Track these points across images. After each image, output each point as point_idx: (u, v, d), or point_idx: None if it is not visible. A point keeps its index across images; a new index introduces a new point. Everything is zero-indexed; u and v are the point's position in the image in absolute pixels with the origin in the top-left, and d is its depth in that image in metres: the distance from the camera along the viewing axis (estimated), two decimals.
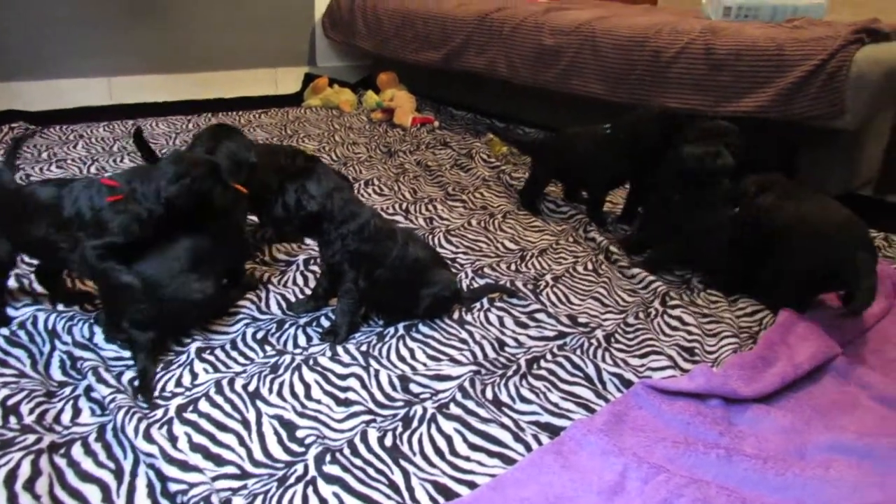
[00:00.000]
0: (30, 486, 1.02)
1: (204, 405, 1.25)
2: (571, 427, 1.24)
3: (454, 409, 1.28)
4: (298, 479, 1.09)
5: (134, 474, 1.09)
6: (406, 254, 1.54)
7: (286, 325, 1.55)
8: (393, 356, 1.46)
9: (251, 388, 1.31)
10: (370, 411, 1.28)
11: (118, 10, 3.42)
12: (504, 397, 1.34)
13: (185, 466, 1.07)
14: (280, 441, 1.19)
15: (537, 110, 3.42)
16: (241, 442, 1.18)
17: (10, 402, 1.21)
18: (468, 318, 1.63)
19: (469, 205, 2.42)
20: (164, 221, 1.41)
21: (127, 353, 1.41)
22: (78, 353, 1.36)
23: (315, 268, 1.82)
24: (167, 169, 1.41)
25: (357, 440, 1.18)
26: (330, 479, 1.09)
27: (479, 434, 1.23)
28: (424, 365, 1.43)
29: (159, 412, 1.22)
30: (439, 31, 3.39)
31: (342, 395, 1.32)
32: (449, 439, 1.21)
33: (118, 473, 1.09)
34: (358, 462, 1.14)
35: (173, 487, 1.04)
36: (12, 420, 1.17)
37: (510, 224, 2.26)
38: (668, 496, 1.08)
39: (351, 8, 3.95)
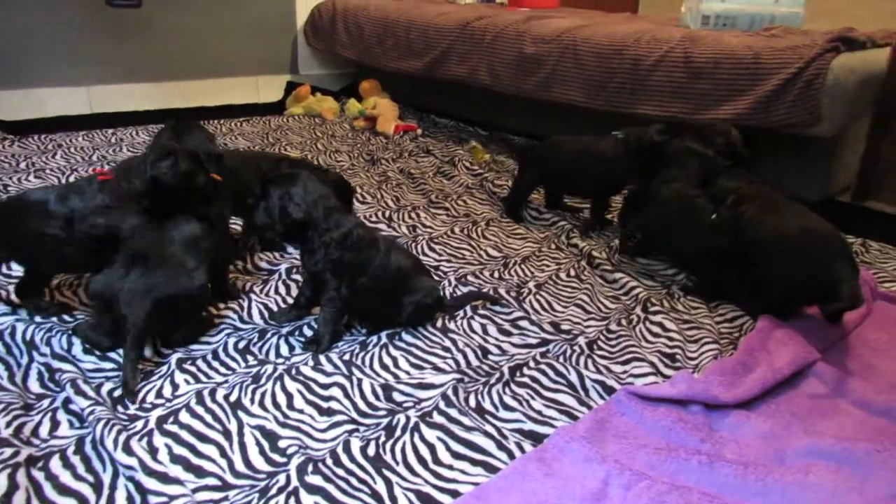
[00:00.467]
0: (7, 500, 1.01)
1: (185, 416, 1.24)
2: (554, 434, 1.24)
3: (437, 418, 1.28)
4: (280, 490, 1.09)
5: (113, 487, 1.07)
6: (388, 262, 1.54)
7: (268, 335, 1.55)
8: (376, 365, 1.45)
9: (233, 398, 1.30)
10: (353, 420, 1.28)
11: (98, 19, 3.39)
12: (487, 405, 1.34)
13: (165, 479, 1.06)
14: (262, 452, 1.18)
15: (520, 118, 3.44)
16: (223, 453, 1.17)
17: None
18: (451, 326, 1.63)
19: (452, 212, 2.42)
20: (155, 203, 1.48)
21: (107, 365, 1.40)
22: (56, 364, 1.34)
23: (297, 277, 1.81)
24: (152, 153, 1.50)
25: (340, 450, 1.18)
26: (312, 490, 1.09)
27: (463, 442, 1.23)
28: (407, 373, 1.43)
29: (139, 424, 1.21)
30: (421, 39, 3.40)
31: (325, 405, 1.31)
32: (432, 448, 1.21)
33: (97, 486, 1.07)
34: (340, 472, 1.13)
35: (153, 500, 1.02)
36: None
37: (493, 231, 2.27)
38: (650, 503, 1.09)
39: (332, 16, 3.95)
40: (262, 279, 1.81)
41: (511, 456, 1.20)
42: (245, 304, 1.67)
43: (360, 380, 1.39)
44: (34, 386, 1.32)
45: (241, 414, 1.26)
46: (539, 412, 1.33)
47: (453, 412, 1.30)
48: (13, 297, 1.57)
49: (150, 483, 1.05)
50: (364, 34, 3.76)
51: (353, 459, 1.16)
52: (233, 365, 1.43)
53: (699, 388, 1.35)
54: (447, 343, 1.55)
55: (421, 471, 1.16)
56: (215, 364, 1.43)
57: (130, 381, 1.31)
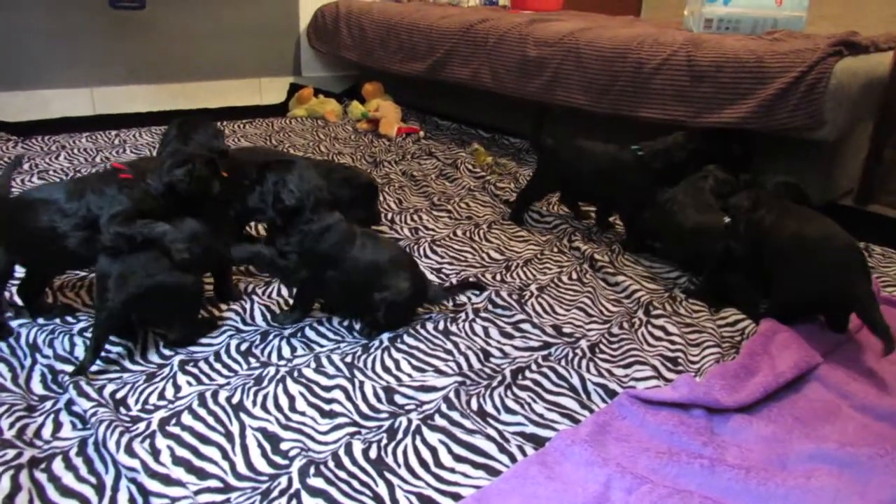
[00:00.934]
0: (10, 501, 1.01)
1: (187, 418, 1.25)
2: (556, 438, 1.24)
3: (439, 421, 1.28)
4: (282, 493, 1.09)
5: (115, 489, 1.07)
6: (360, 257, 1.55)
7: (270, 337, 1.55)
8: (378, 367, 1.46)
9: (235, 400, 1.31)
10: (355, 423, 1.28)
11: (101, 21, 3.40)
12: (489, 408, 1.34)
13: (167, 480, 1.06)
14: (264, 454, 1.18)
15: (522, 121, 3.44)
16: (225, 455, 1.17)
17: None
18: (453, 328, 1.63)
19: (454, 215, 2.43)
20: (167, 206, 1.49)
21: (110, 367, 1.40)
22: (59, 366, 1.35)
23: None
24: (170, 159, 1.51)
25: (342, 452, 1.18)
26: (314, 492, 1.09)
27: (464, 445, 1.23)
28: (409, 376, 1.43)
29: (141, 426, 1.21)
30: (424, 42, 3.40)
31: (327, 407, 1.31)
32: (434, 451, 1.21)
33: (99, 488, 1.07)
34: (342, 475, 1.13)
35: (155, 502, 1.03)
36: None
37: (495, 234, 2.27)
38: None
39: (335, 19, 3.96)
40: (265, 281, 1.81)
41: (513, 459, 1.20)
42: (247, 307, 1.68)
43: (361, 382, 1.39)
44: (37, 387, 1.32)
45: (243, 416, 1.27)
46: (541, 415, 1.33)
47: (455, 415, 1.30)
48: (16, 298, 1.58)
49: (153, 485, 1.05)
50: (367, 36, 3.76)
51: (354, 462, 1.16)
52: (235, 367, 1.43)
53: (701, 391, 1.35)
54: (449, 346, 1.55)
55: (423, 473, 1.16)
56: (217, 366, 1.43)
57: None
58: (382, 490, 1.11)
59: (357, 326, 1.62)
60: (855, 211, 2.56)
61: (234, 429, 1.23)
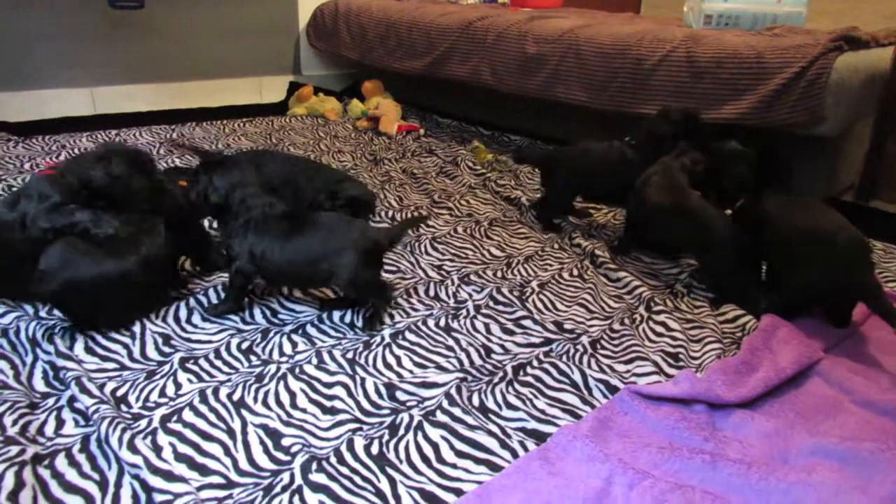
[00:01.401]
0: (13, 497, 1.01)
1: (188, 415, 1.25)
2: (557, 433, 1.24)
3: (441, 417, 1.28)
4: (284, 488, 1.09)
5: (118, 485, 1.08)
6: (288, 247, 1.57)
7: (271, 334, 1.55)
8: (379, 364, 1.46)
9: (236, 397, 1.31)
10: (356, 419, 1.28)
11: (100, 21, 3.40)
12: (491, 404, 1.34)
13: (169, 476, 1.06)
14: (266, 450, 1.18)
15: (522, 118, 3.44)
16: (227, 451, 1.17)
17: None
18: (454, 325, 1.63)
19: (455, 212, 2.43)
20: (89, 203, 1.52)
21: (109, 365, 1.40)
22: (61, 363, 1.35)
23: None
24: (91, 154, 1.57)
25: (343, 448, 1.18)
26: (316, 488, 1.09)
27: (466, 441, 1.23)
28: (411, 372, 1.43)
29: (143, 422, 1.22)
30: (423, 39, 3.40)
31: (328, 404, 1.32)
32: (435, 447, 1.21)
33: (102, 484, 1.08)
34: (344, 470, 1.14)
35: (158, 498, 1.03)
36: None
37: (496, 231, 2.27)
38: (653, 501, 1.09)
39: (335, 17, 3.96)
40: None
41: (514, 455, 1.20)
42: (246, 305, 1.68)
43: (363, 379, 1.39)
44: (39, 384, 1.32)
45: (244, 413, 1.27)
46: (542, 411, 1.33)
47: (457, 411, 1.30)
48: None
49: (156, 481, 1.05)
50: (366, 35, 3.76)
51: (356, 458, 1.16)
52: (235, 364, 1.43)
53: (702, 387, 1.35)
54: (450, 342, 1.55)
55: (425, 469, 1.16)
56: (218, 363, 1.43)
57: None
58: (385, 486, 1.11)
59: (359, 323, 1.62)
60: (856, 206, 2.56)
61: (236, 425, 1.23)
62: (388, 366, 1.45)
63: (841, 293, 1.63)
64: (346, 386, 1.36)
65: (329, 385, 1.37)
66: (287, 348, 1.50)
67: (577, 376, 1.44)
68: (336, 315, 1.64)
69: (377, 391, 1.36)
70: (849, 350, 1.59)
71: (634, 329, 1.65)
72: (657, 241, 2.07)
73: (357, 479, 1.12)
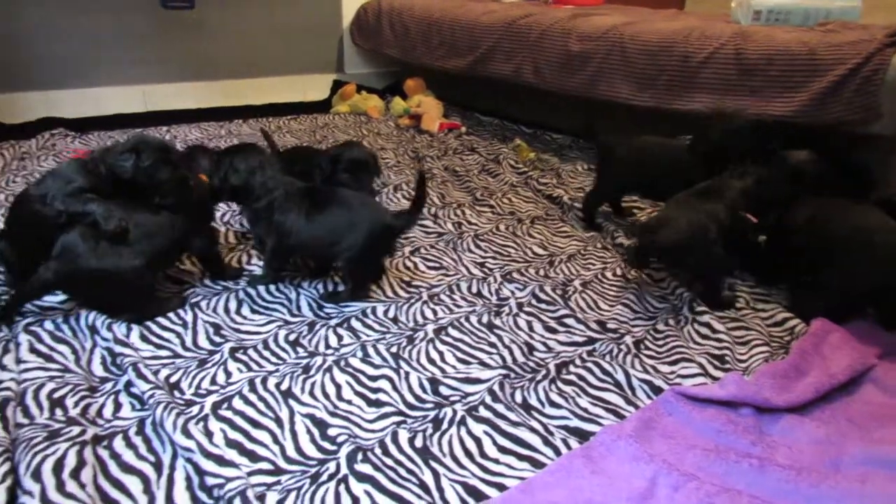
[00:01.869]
0: (76, 475, 1.06)
1: (238, 403, 1.28)
2: (601, 432, 1.24)
3: (483, 412, 1.29)
4: (331, 477, 1.11)
5: (172, 467, 1.11)
6: (307, 223, 1.63)
7: (317, 327, 1.58)
8: (423, 359, 1.47)
9: (284, 387, 1.34)
10: (400, 412, 1.29)
11: (152, 22, 3.50)
12: (533, 401, 1.34)
13: (221, 461, 1.10)
14: (312, 439, 1.21)
15: (564, 116, 3.42)
16: (275, 439, 1.20)
17: (57, 395, 1.25)
18: (497, 322, 1.63)
19: (497, 210, 2.43)
20: (116, 190, 1.56)
21: (163, 353, 1.45)
22: (118, 349, 1.40)
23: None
24: (121, 145, 1.60)
25: (388, 440, 1.20)
26: (361, 478, 1.11)
27: (509, 437, 1.23)
28: (454, 368, 1.45)
29: (195, 409, 1.25)
30: (466, 37, 3.41)
31: (373, 396, 1.34)
32: (478, 441, 1.22)
33: (157, 466, 1.12)
34: (389, 462, 1.15)
35: (210, 481, 1.06)
36: (58, 412, 1.20)
37: (538, 229, 2.26)
38: None
39: (378, 16, 3.99)
40: (311, 273, 1.85)
41: (557, 452, 1.20)
42: (293, 297, 1.71)
43: (407, 373, 1.41)
44: (98, 369, 1.38)
45: (291, 402, 1.30)
46: (585, 410, 1.33)
47: (500, 407, 1.31)
48: None
49: (208, 465, 1.08)
50: (409, 33, 3.78)
51: (401, 450, 1.18)
52: (283, 355, 1.47)
53: (750, 390, 1.33)
54: (493, 339, 1.56)
55: (467, 463, 1.17)
56: (266, 354, 1.47)
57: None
58: (428, 478, 1.13)
59: (402, 317, 1.64)
60: None
61: (284, 414, 1.26)
62: (431, 361, 1.47)
63: (884, 293, 1.58)
64: (390, 379, 1.38)
65: (374, 378, 1.39)
66: (333, 341, 1.53)
67: (620, 376, 1.43)
68: (380, 309, 1.67)
69: (421, 385, 1.37)
70: None
71: (679, 330, 1.63)
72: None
73: (401, 471, 1.14)
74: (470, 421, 1.27)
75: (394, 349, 1.49)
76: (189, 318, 1.57)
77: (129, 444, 1.16)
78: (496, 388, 1.35)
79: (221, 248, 1.90)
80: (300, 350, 1.49)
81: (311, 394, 1.33)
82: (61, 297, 1.59)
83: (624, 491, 1.12)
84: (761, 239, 1.97)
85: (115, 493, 1.06)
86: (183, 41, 3.63)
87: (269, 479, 1.11)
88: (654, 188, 2.24)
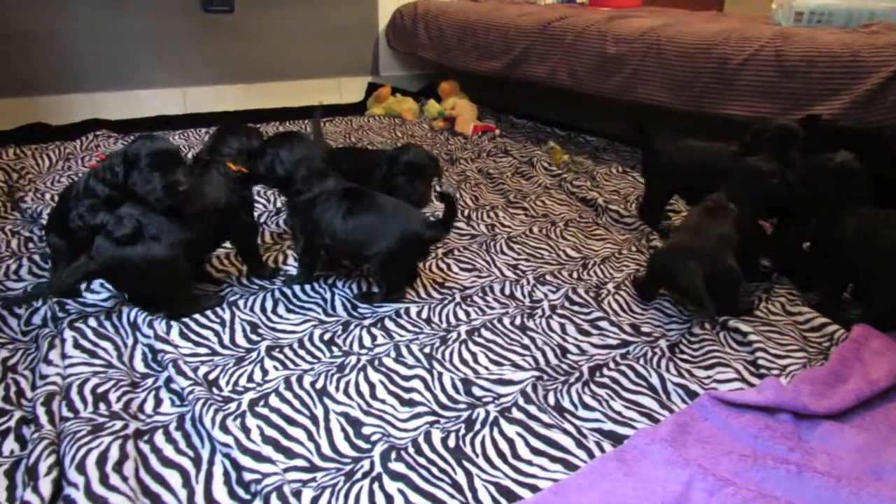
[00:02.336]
0: (118, 468, 1.09)
1: (274, 400, 1.31)
2: (635, 435, 1.23)
3: (516, 414, 1.30)
4: (365, 475, 1.13)
5: (211, 462, 1.14)
6: (345, 223, 1.65)
7: (351, 327, 1.60)
8: (456, 359, 1.48)
9: (319, 385, 1.36)
10: (433, 412, 1.30)
11: (193, 26, 3.58)
12: (566, 404, 1.34)
13: (258, 457, 1.12)
14: (347, 437, 1.22)
15: (598, 118, 3.40)
16: (310, 437, 1.22)
17: (100, 390, 1.28)
18: (530, 324, 1.63)
19: (530, 212, 2.43)
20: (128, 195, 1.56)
21: (201, 350, 1.48)
22: (159, 346, 1.43)
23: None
24: (116, 154, 1.57)
25: (421, 440, 1.21)
26: (395, 476, 1.12)
27: (542, 439, 1.23)
28: (487, 369, 1.45)
29: (233, 405, 1.28)
30: (501, 40, 3.41)
31: (406, 396, 1.35)
32: (511, 443, 1.22)
33: (197, 461, 1.14)
34: (422, 461, 1.16)
35: (248, 476, 1.08)
36: (102, 407, 1.24)
37: (571, 232, 2.25)
38: None
39: (414, 19, 4.02)
40: (346, 273, 1.87)
41: (590, 455, 1.20)
42: (328, 297, 1.74)
43: (440, 373, 1.41)
44: (139, 365, 1.41)
45: (326, 401, 1.32)
46: (619, 413, 1.32)
47: (532, 409, 1.31)
48: None
49: (245, 461, 1.11)
50: (444, 36, 3.80)
51: (434, 450, 1.19)
52: (318, 354, 1.49)
53: (788, 396, 1.31)
54: (526, 341, 1.56)
55: (500, 464, 1.17)
56: (301, 353, 1.49)
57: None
58: (461, 478, 1.13)
59: (435, 318, 1.65)
60: None
61: (319, 412, 1.28)
62: (464, 362, 1.47)
63: None
64: (423, 379, 1.39)
65: (407, 378, 1.40)
66: (367, 341, 1.54)
67: (654, 380, 1.42)
68: (413, 310, 1.68)
69: (454, 386, 1.38)
70: None
71: (715, 334, 1.61)
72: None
73: (434, 470, 1.15)
74: (503, 422, 1.27)
75: (427, 349, 1.50)
76: (227, 316, 1.61)
77: (170, 439, 1.19)
78: (529, 389, 1.36)
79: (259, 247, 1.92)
80: (335, 349, 1.51)
81: (346, 392, 1.35)
82: (104, 295, 1.64)
83: (658, 495, 1.11)
84: (805, 246, 1.93)
85: (155, 487, 1.09)
86: (223, 44, 3.70)
87: (305, 476, 1.13)
88: (690, 190, 2.21)
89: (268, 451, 1.16)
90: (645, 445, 1.20)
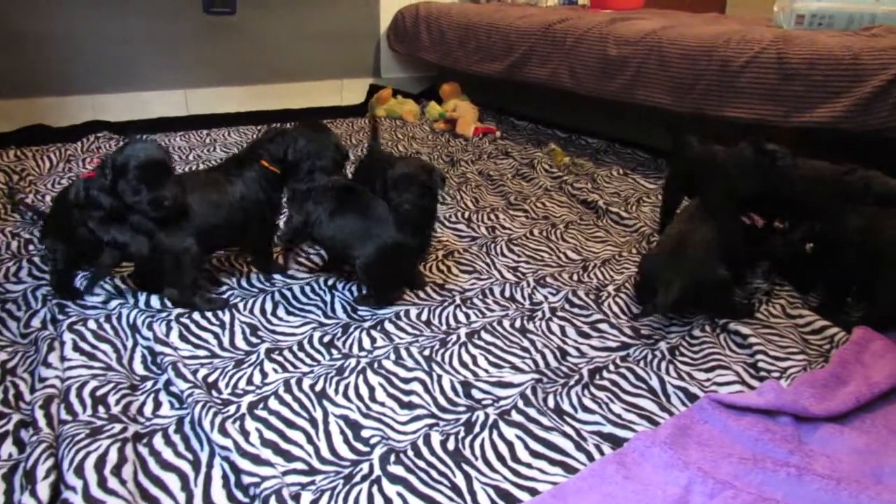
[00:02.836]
0: (117, 471, 1.09)
1: (273, 403, 1.31)
2: (635, 438, 1.23)
3: (516, 416, 1.29)
4: (364, 478, 1.12)
5: (210, 465, 1.14)
6: (333, 222, 1.67)
7: (351, 329, 1.60)
8: (455, 362, 1.48)
9: (318, 388, 1.36)
10: (433, 415, 1.30)
11: (194, 27, 3.59)
12: (566, 406, 1.34)
13: (257, 460, 1.12)
14: (346, 440, 1.22)
15: (599, 120, 3.40)
16: (309, 440, 1.22)
17: (99, 392, 1.28)
18: (530, 326, 1.63)
19: (531, 214, 2.43)
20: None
21: (201, 353, 1.48)
22: (158, 348, 1.43)
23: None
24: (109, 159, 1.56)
25: (420, 443, 1.21)
26: (394, 479, 1.12)
27: (541, 441, 1.23)
28: (486, 371, 1.45)
29: (232, 408, 1.28)
30: (502, 42, 3.41)
31: (405, 399, 1.35)
32: (510, 445, 1.22)
33: (195, 464, 1.14)
34: (421, 464, 1.16)
35: (246, 480, 1.08)
36: (101, 410, 1.24)
37: (572, 234, 2.25)
38: None
39: (415, 21, 4.02)
40: (346, 276, 1.87)
41: (590, 457, 1.20)
42: (328, 300, 1.74)
43: (439, 376, 1.41)
44: (138, 368, 1.41)
45: (326, 403, 1.31)
46: (619, 416, 1.32)
47: (532, 411, 1.30)
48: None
49: (244, 464, 1.10)
50: (446, 38, 3.80)
51: (433, 452, 1.19)
52: (317, 357, 1.49)
53: (788, 398, 1.31)
54: (525, 343, 1.56)
55: (499, 467, 1.17)
56: (301, 355, 1.49)
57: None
58: (460, 481, 1.13)
59: (435, 320, 1.65)
60: None
61: (318, 415, 1.28)
62: (463, 364, 1.47)
63: None
64: (423, 382, 1.39)
65: (406, 381, 1.40)
66: (366, 343, 1.54)
67: (654, 382, 1.42)
68: (413, 312, 1.68)
69: (453, 388, 1.38)
70: None
71: (715, 337, 1.61)
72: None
73: (433, 473, 1.14)
74: (502, 425, 1.27)
75: (426, 352, 1.50)
76: (227, 318, 1.61)
77: (169, 442, 1.19)
78: (528, 392, 1.35)
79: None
80: (334, 352, 1.51)
81: (345, 395, 1.35)
82: (103, 297, 1.64)
83: (658, 498, 1.11)
84: (809, 247, 1.92)
85: (154, 490, 1.09)
86: (224, 46, 3.71)
87: (304, 479, 1.13)
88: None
89: (267, 454, 1.16)
90: (645, 448, 1.20)
